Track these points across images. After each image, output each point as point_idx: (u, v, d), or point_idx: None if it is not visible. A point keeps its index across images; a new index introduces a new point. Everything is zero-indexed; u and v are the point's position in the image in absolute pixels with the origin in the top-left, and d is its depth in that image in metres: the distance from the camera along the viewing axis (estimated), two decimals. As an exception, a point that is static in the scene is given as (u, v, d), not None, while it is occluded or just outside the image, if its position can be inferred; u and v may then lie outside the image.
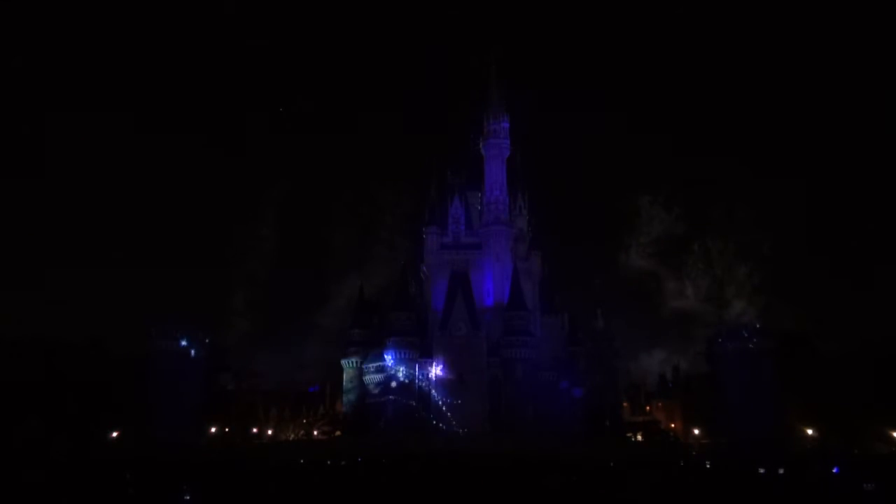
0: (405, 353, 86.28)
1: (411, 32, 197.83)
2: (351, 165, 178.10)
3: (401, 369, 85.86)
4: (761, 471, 32.16)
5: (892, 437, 69.42)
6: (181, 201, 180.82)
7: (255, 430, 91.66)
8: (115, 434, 75.92)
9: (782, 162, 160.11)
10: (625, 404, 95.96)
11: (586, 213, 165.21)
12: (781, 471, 29.72)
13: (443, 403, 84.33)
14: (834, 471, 32.31)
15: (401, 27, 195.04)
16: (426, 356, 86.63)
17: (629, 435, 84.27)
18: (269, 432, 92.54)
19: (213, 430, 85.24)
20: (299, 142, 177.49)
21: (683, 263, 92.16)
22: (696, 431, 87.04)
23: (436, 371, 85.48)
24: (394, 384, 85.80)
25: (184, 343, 77.46)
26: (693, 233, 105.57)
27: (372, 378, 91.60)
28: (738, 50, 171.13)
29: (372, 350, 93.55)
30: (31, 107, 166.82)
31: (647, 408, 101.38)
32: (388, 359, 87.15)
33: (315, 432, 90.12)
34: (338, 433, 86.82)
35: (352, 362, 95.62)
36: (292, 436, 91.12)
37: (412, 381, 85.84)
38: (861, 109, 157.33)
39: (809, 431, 77.29)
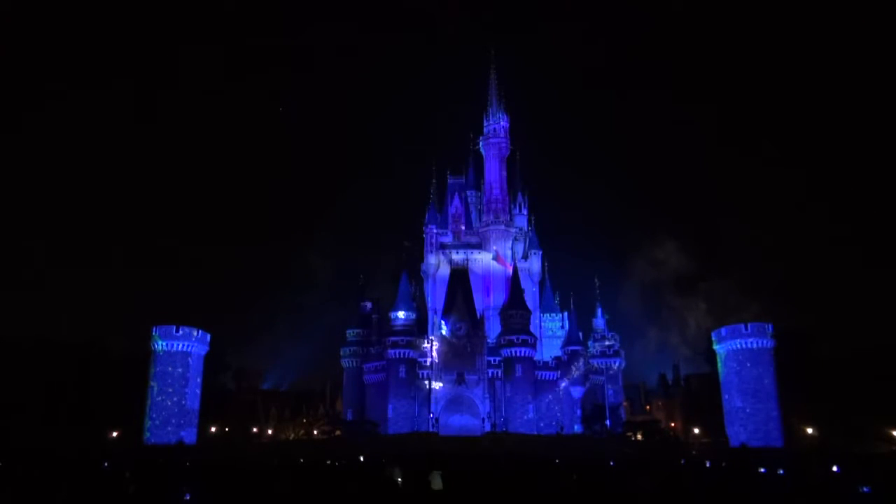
0: (405, 353, 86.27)
1: (410, 31, 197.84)
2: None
3: (400, 369, 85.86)
4: (762, 470, 32.09)
5: (893, 436, 69.50)
6: (189, 202, 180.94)
7: (255, 429, 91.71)
8: (115, 434, 75.93)
9: (783, 153, 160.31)
10: (625, 403, 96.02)
11: (589, 223, 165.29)
12: (782, 471, 29.66)
13: (443, 403, 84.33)
14: (835, 470, 32.26)
15: (400, 26, 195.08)
16: (426, 356, 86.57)
17: (629, 434, 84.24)
18: (270, 432, 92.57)
19: (213, 430, 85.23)
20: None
21: (688, 304, 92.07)
22: (697, 430, 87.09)
23: (435, 370, 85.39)
24: (393, 384, 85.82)
25: (184, 343, 77.41)
26: (701, 273, 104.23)
27: (372, 378, 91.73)
28: (748, 53, 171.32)
29: (372, 349, 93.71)
30: (34, 104, 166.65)
31: (648, 407, 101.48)
32: (388, 358, 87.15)
33: (315, 432, 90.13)
34: (338, 433, 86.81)
35: (351, 362, 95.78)
36: (292, 435, 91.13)
37: (412, 380, 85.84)
38: (859, 106, 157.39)
39: (809, 431, 77.37)
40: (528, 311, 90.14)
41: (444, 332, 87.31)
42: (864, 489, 22.05)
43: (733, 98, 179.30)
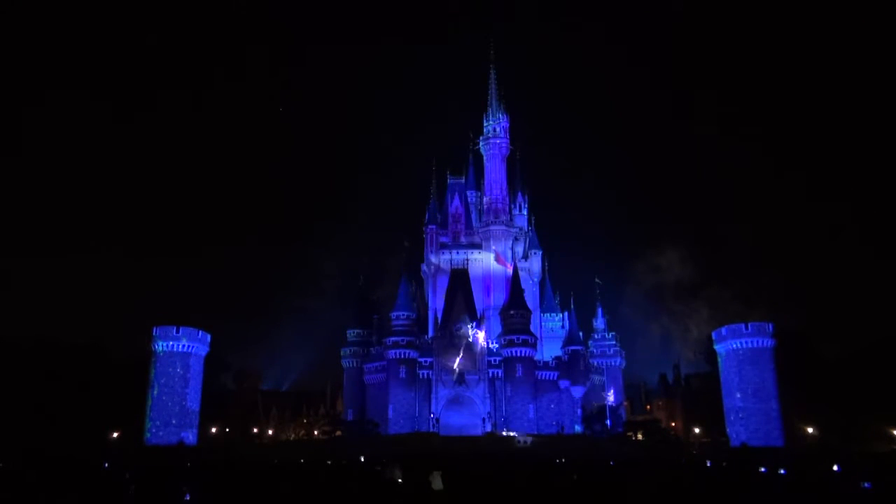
0: (405, 353, 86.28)
1: (410, 31, 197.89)
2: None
3: (401, 369, 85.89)
4: (762, 470, 32.08)
5: (893, 435, 69.55)
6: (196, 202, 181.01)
7: (255, 430, 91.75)
8: (115, 434, 75.93)
9: (783, 154, 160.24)
10: (625, 403, 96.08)
11: (590, 231, 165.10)
12: (783, 470, 29.64)
13: (443, 403, 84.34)
14: (835, 469, 32.26)
15: (400, 27, 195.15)
16: (426, 356, 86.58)
17: (629, 434, 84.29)
18: (270, 432, 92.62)
19: (213, 430, 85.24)
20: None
21: (689, 311, 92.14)
22: (697, 430, 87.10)
23: (436, 370, 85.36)
24: (394, 384, 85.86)
25: (185, 343, 77.42)
26: (702, 283, 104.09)
27: (372, 378, 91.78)
28: (748, 54, 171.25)
29: (372, 349, 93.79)
30: (34, 103, 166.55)
31: (648, 406, 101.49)
32: (388, 358, 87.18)
33: (315, 432, 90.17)
34: (338, 433, 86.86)
35: (352, 362, 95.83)
36: (293, 436, 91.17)
37: (412, 380, 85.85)
38: (860, 107, 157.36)
39: (810, 430, 77.41)
40: (529, 311, 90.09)
41: (443, 332, 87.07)
42: (866, 485, 22.05)
43: (734, 98, 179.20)
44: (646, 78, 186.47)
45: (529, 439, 74.04)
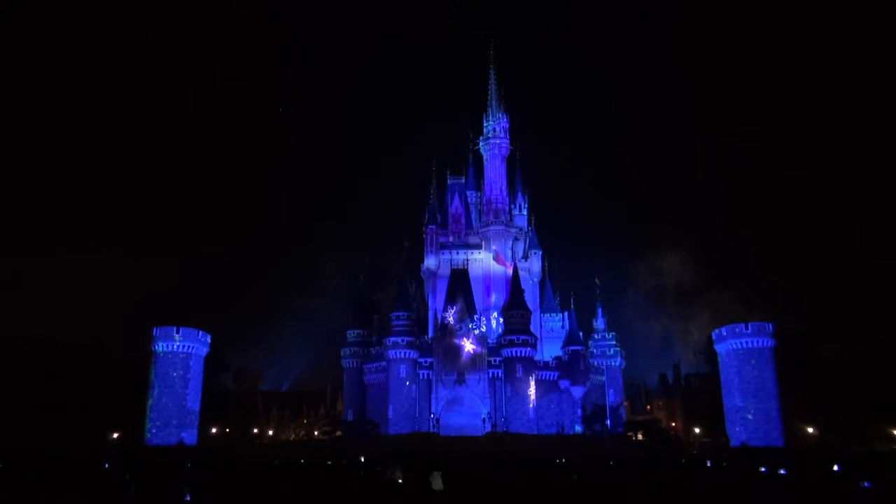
0: (405, 353, 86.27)
1: (411, 31, 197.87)
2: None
3: (401, 369, 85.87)
4: (762, 470, 32.09)
5: (893, 434, 69.58)
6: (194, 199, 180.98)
7: (255, 430, 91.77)
8: (115, 435, 75.95)
9: (784, 155, 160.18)
10: (625, 403, 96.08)
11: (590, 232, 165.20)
12: (783, 471, 29.65)
13: (443, 403, 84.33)
14: (836, 469, 32.26)
15: (400, 27, 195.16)
16: (426, 356, 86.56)
17: (629, 434, 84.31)
18: (270, 433, 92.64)
19: (213, 430, 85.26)
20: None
21: (689, 314, 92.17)
22: (697, 430, 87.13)
23: (436, 370, 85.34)
24: (394, 384, 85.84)
25: (185, 344, 77.41)
26: (703, 285, 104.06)
27: (372, 378, 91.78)
28: (749, 55, 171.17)
29: (372, 350, 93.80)
30: (35, 103, 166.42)
31: (648, 406, 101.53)
32: (388, 359, 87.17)
33: (316, 432, 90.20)
34: (338, 433, 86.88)
35: (352, 362, 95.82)
36: (293, 436, 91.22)
37: (412, 380, 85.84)
38: (857, 102, 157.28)
39: (810, 430, 77.43)
40: (529, 311, 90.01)
41: (443, 332, 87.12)
42: (866, 485, 22.07)
43: (734, 98, 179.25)
44: (646, 78, 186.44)
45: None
